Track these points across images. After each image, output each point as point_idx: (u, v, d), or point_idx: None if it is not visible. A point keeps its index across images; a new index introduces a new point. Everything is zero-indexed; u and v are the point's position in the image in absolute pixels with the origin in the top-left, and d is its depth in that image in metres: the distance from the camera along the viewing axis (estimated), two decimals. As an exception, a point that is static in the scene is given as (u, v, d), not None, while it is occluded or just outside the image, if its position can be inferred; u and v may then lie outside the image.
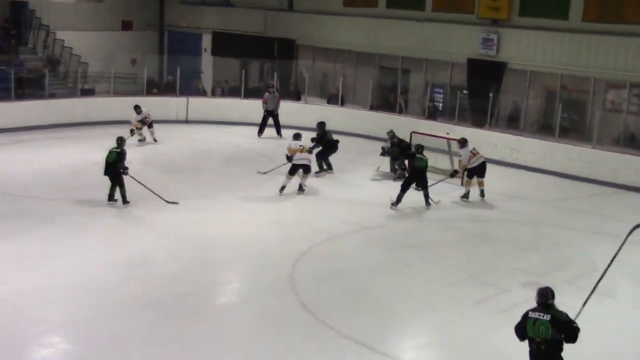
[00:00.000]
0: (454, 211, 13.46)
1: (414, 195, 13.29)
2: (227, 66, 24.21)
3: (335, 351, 7.92)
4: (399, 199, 13.02)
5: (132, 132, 16.96)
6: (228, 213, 12.55)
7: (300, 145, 13.91)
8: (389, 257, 10.88)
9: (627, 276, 10.01)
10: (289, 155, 13.82)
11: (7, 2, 23.74)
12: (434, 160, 14.73)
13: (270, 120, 18.99)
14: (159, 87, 22.41)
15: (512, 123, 18.80)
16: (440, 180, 14.20)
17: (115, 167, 12.34)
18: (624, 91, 17.28)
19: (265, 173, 14.95)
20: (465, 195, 13.98)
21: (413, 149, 14.06)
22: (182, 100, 20.43)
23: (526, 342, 6.46)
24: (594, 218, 13.43)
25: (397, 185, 13.53)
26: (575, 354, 6.53)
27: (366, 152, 17.28)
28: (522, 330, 6.44)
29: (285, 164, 13.98)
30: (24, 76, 20.43)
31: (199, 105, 20.63)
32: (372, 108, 20.36)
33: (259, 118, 19.06)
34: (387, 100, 20.94)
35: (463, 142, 14.08)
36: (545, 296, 6.43)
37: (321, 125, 15.80)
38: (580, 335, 6.33)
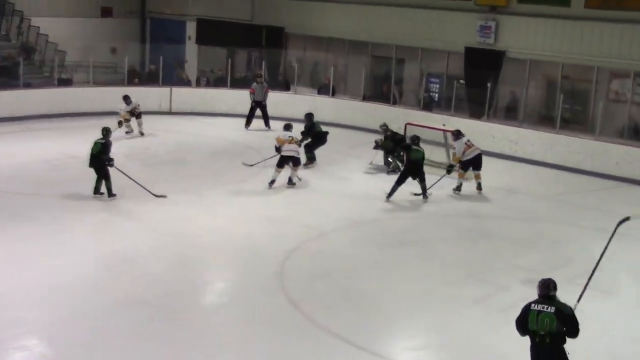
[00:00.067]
0: (451, 206, 13.32)
1: (410, 188, 13.16)
2: (212, 55, 24.05)
3: (327, 351, 7.83)
4: (393, 190, 12.91)
5: (120, 123, 16.82)
6: (217, 208, 12.44)
7: (290, 136, 13.78)
8: (383, 254, 10.76)
9: (630, 275, 10.09)
10: (277, 145, 13.62)
11: (-23, -13, 23.22)
12: (429, 152, 14.55)
13: (258, 112, 18.81)
14: (140, 76, 22.01)
15: (511, 114, 18.65)
16: (441, 179, 13.90)
17: (100, 158, 12.15)
18: (628, 80, 17.01)
19: (251, 165, 14.75)
20: (458, 188, 13.81)
21: (408, 141, 13.85)
22: (165, 90, 20.14)
23: (527, 339, 6.30)
24: (596, 213, 13.15)
25: (390, 179, 13.44)
26: (576, 354, 6.42)
27: (359, 144, 17.14)
28: (524, 323, 6.30)
29: (273, 156, 13.81)
30: (-3, 64, 19.99)
31: (183, 95, 20.40)
32: (364, 99, 20.23)
33: (246, 109, 18.85)
34: (380, 90, 20.70)
35: (457, 134, 13.98)
36: (547, 287, 6.36)
37: (309, 116, 15.69)
38: (581, 334, 6.26)
